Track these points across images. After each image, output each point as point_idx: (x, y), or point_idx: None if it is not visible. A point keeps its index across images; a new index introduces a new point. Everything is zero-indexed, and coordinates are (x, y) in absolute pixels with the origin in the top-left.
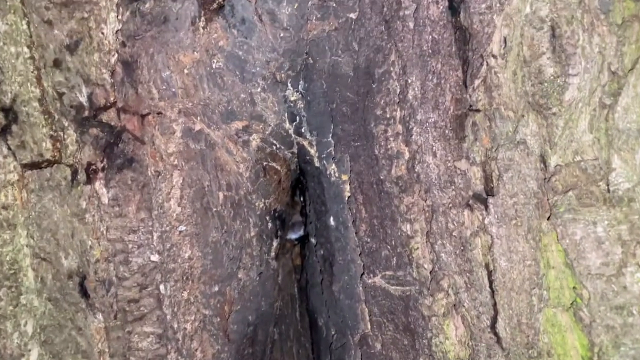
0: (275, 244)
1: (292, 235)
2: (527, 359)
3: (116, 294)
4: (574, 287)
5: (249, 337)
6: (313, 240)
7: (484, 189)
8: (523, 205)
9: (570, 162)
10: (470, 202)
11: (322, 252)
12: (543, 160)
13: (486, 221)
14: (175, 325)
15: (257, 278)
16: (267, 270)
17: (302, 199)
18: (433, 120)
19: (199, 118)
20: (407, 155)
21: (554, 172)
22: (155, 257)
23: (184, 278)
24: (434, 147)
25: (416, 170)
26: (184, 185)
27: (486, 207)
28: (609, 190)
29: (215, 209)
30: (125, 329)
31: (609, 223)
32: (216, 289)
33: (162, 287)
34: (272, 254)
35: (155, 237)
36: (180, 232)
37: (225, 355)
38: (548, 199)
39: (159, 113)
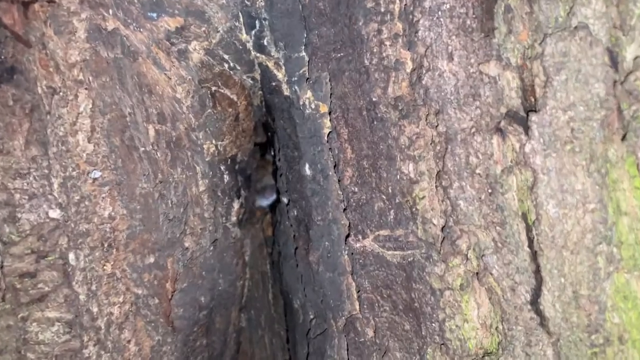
0: (236, 205)
1: (263, 202)
2: (587, 348)
3: (2, 264)
4: None
5: (201, 324)
6: (284, 199)
7: (522, 102)
8: (583, 121)
9: None
10: (503, 123)
11: (295, 213)
12: (613, 52)
13: (526, 149)
14: (95, 309)
15: (212, 248)
16: (225, 238)
17: (272, 153)
18: (448, 6)
19: (111, 11)
20: (409, 65)
21: (632, 69)
22: (55, 213)
23: (105, 245)
24: (450, 47)
25: (423, 83)
26: (95, 112)
27: (526, 129)
28: None
29: (143, 149)
30: (18, 315)
31: None
32: (151, 260)
33: (71, 256)
34: (233, 218)
35: (55, 185)
36: (94, 179)
37: (168, 348)
38: (621, 110)
39: (50, 1)
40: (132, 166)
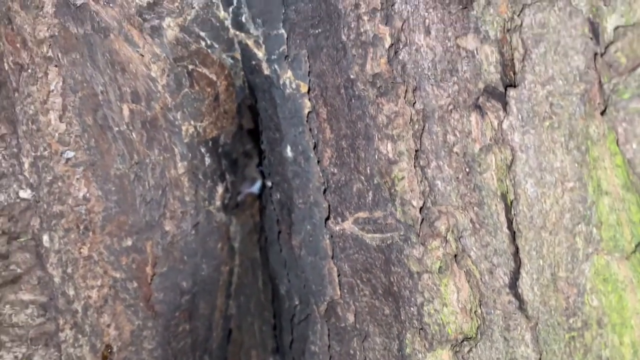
0: (220, 189)
1: (250, 188)
2: (565, 332)
3: None
4: None
5: (183, 309)
6: (268, 182)
7: (501, 78)
8: (562, 96)
9: (639, 21)
10: (481, 100)
11: (278, 197)
12: (594, 23)
13: (504, 126)
14: (71, 292)
15: (193, 232)
16: (207, 222)
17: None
18: None
19: None
20: (388, 41)
21: (612, 40)
22: (26, 194)
23: (81, 227)
24: (427, 20)
25: (400, 58)
26: (65, 90)
27: (504, 105)
28: None
29: (117, 129)
30: None
31: None
32: (129, 243)
33: (44, 237)
34: (217, 202)
35: (26, 165)
36: (67, 159)
37: (149, 332)
38: (602, 83)
39: None
40: (106, 146)
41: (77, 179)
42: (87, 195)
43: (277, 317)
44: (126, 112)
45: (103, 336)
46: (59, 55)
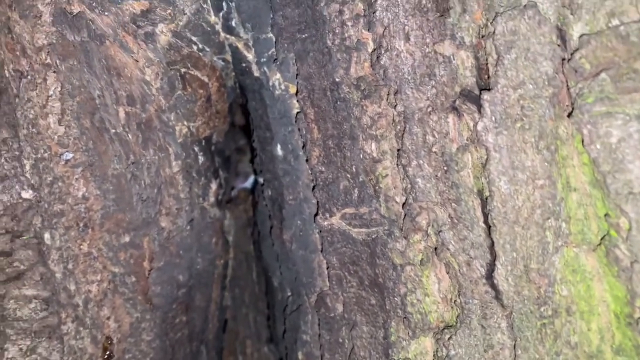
0: (214, 186)
1: (243, 184)
2: (537, 320)
3: None
4: (606, 215)
5: (180, 302)
6: (260, 179)
7: (476, 82)
8: (532, 99)
9: (602, 29)
10: (457, 102)
11: (269, 193)
12: (561, 30)
13: (479, 127)
14: (72, 287)
15: (188, 227)
16: (202, 218)
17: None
18: None
19: None
20: (370, 46)
21: (578, 46)
22: (28, 194)
23: (80, 224)
24: (407, 27)
25: (382, 63)
26: (64, 95)
27: (479, 108)
28: None
29: (114, 131)
30: None
31: None
32: (127, 239)
33: (46, 235)
34: (211, 198)
35: (27, 167)
36: (67, 161)
37: (147, 324)
38: (569, 87)
39: None
40: (104, 147)
41: (76, 179)
42: (86, 194)
43: (271, 308)
44: (122, 115)
45: (103, 328)
46: (57, 62)
